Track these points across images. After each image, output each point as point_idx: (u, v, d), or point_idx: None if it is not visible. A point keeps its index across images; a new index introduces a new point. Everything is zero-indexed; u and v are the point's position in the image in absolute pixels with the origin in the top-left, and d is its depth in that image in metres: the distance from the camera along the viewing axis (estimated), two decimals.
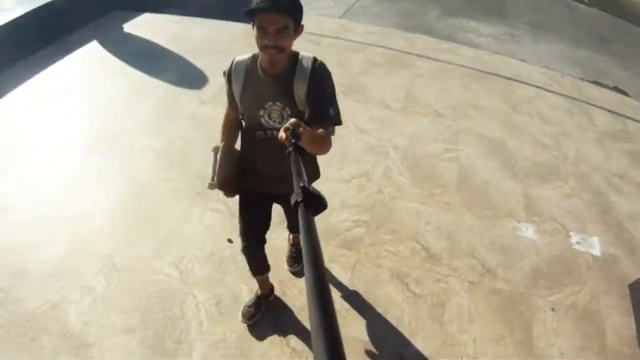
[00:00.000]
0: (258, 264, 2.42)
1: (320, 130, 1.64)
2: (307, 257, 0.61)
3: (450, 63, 6.29)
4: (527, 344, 2.87)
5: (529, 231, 3.66)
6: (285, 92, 1.74)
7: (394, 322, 2.81)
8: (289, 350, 2.53)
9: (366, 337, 2.68)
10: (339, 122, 1.79)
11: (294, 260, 2.95)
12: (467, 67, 6.26)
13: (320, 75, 1.75)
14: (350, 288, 3.00)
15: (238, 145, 2.12)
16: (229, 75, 1.83)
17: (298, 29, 1.65)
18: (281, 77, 1.74)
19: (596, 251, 3.65)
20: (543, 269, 3.35)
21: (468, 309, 2.98)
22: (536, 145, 4.71)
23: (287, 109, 1.77)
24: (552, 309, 3.10)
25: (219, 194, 2.12)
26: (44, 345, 2.52)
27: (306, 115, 1.73)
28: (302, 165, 1.03)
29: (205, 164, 2.22)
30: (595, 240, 3.77)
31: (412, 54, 6.35)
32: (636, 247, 3.74)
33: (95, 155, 3.94)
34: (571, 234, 3.78)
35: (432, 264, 3.22)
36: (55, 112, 4.43)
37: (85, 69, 5.21)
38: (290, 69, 1.74)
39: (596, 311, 3.11)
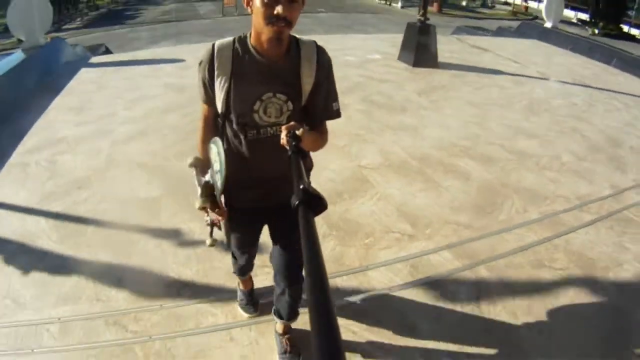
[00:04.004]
0: (249, 268, 2.20)
1: (319, 129, 1.58)
2: (307, 259, 0.62)
3: None
4: None
5: None
6: (290, 81, 1.49)
7: None
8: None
9: None
10: (340, 115, 1.63)
11: (290, 357, 2.05)
12: None
13: (328, 65, 1.55)
14: None
15: None
16: (210, 64, 1.48)
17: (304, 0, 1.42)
18: (286, 60, 1.48)
19: None
20: None
21: None
22: None
23: (289, 103, 1.50)
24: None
25: None
26: None
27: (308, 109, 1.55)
28: (303, 168, 1.03)
29: None
30: None
31: None
32: None
33: None
34: None
35: None
36: None
37: None
38: (295, 52, 1.49)
39: None
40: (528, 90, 6.55)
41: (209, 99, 1.55)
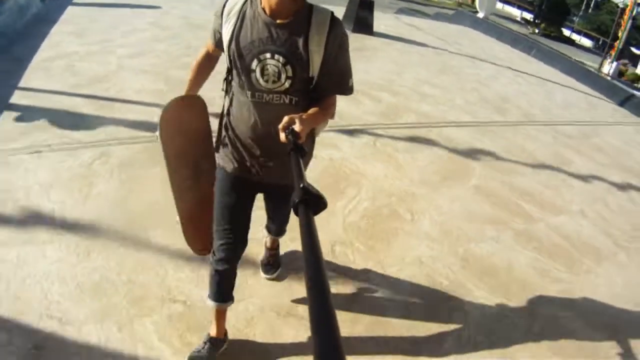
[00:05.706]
0: (228, 284, 1.92)
1: (327, 101, 1.61)
2: (307, 257, 0.65)
3: None
4: None
5: None
6: (294, 45, 1.48)
7: None
8: None
9: None
10: (352, 92, 1.70)
11: (270, 267, 2.48)
12: None
13: (341, 37, 1.55)
14: None
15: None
16: (220, 16, 1.57)
17: None
18: (292, 23, 1.49)
19: None
20: None
21: None
22: None
23: (288, 67, 1.50)
24: None
25: None
26: None
27: (315, 81, 1.57)
28: (302, 165, 1.05)
29: None
30: None
31: None
32: None
33: None
34: None
35: None
36: None
37: None
38: (305, 17, 1.49)
39: None
40: (444, 59, 8.46)
41: (215, 40, 1.66)
